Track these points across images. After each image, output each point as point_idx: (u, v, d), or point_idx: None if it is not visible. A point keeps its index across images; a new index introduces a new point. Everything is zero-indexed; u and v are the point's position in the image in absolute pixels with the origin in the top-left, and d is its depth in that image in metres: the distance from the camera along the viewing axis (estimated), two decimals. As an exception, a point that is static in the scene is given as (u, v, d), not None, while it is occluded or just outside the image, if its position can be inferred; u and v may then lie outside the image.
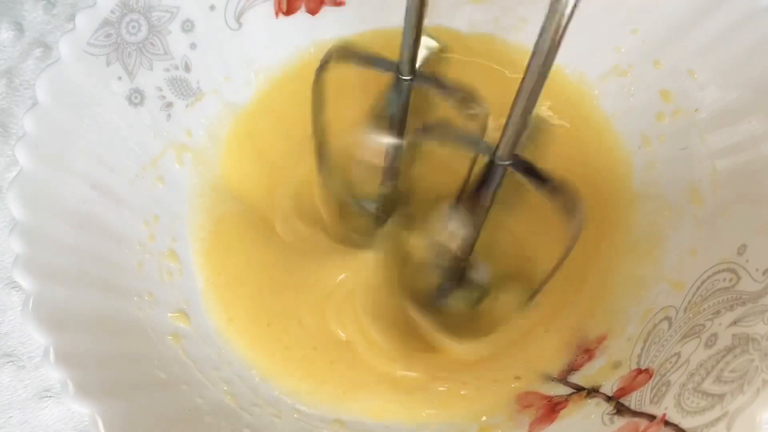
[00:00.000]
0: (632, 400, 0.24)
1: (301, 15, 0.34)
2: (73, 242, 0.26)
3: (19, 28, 0.38)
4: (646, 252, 0.29)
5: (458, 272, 0.30)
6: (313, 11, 0.34)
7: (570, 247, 0.24)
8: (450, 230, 0.28)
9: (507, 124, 0.22)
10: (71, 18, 0.38)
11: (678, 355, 0.24)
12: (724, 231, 0.26)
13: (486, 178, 0.24)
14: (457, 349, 0.29)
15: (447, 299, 0.30)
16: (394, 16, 0.35)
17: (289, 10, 0.34)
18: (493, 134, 0.26)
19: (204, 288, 0.31)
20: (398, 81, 0.27)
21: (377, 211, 0.32)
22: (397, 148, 0.29)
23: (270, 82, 0.35)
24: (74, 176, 0.27)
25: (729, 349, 0.22)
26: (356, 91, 0.31)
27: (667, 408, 0.22)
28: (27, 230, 0.24)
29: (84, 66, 0.28)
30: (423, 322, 0.29)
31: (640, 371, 0.25)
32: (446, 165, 0.29)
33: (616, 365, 0.26)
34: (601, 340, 0.28)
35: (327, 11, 0.34)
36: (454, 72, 0.28)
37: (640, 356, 0.26)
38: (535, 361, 0.28)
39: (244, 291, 0.31)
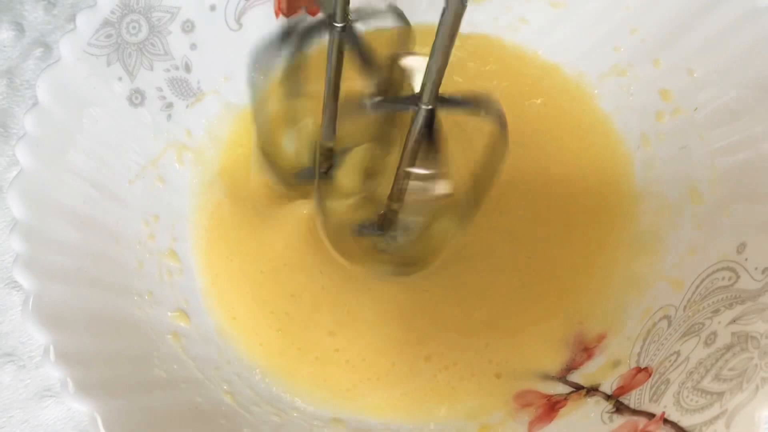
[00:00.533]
0: (632, 399, 0.24)
1: (301, 15, 0.34)
2: (73, 242, 0.26)
3: (19, 28, 0.38)
4: (646, 251, 0.29)
5: (390, 218, 0.30)
6: (313, 12, 0.34)
7: (504, 153, 0.25)
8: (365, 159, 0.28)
9: (427, 68, 0.22)
10: (72, 18, 0.38)
11: (677, 353, 0.24)
12: (724, 230, 0.26)
13: (416, 125, 0.24)
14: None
15: (386, 240, 0.31)
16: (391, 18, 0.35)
17: (289, 11, 0.34)
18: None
19: (204, 287, 0.31)
20: (331, 28, 0.26)
21: (320, 170, 0.32)
22: (333, 95, 0.29)
23: (270, 82, 0.35)
24: (74, 176, 0.27)
25: (728, 348, 0.22)
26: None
27: (667, 406, 0.22)
28: (27, 230, 0.25)
29: (84, 66, 0.28)
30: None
31: (639, 370, 0.25)
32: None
33: (616, 364, 0.26)
34: (600, 338, 0.28)
35: (327, 11, 0.34)
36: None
37: (639, 355, 0.26)
38: (535, 360, 0.28)
39: (244, 290, 0.31)
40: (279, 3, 0.33)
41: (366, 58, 0.27)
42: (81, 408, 0.22)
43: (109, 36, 0.29)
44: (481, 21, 0.35)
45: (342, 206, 0.31)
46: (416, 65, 0.26)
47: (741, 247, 0.25)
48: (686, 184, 0.28)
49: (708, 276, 0.25)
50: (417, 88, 0.23)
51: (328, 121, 0.29)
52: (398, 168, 0.26)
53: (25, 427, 0.30)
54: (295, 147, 0.33)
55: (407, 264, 0.30)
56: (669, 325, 0.25)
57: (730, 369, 0.21)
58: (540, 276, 0.30)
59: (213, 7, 0.32)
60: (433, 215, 0.30)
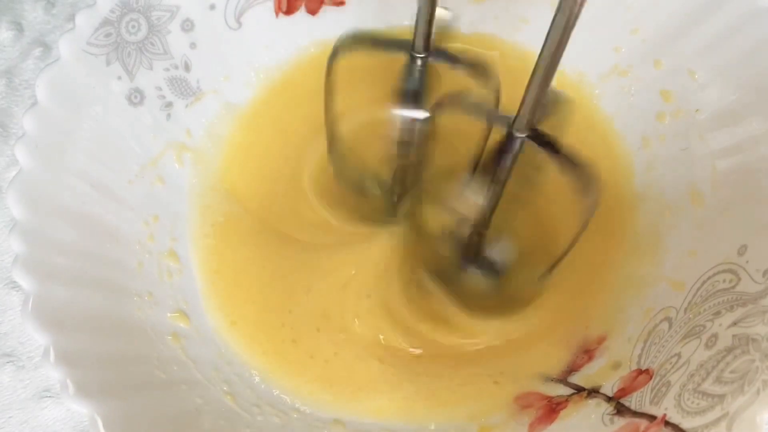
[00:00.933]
0: (632, 401, 0.24)
1: (301, 15, 0.34)
2: (73, 242, 0.26)
3: (18, 27, 0.38)
4: (647, 252, 0.29)
5: (475, 247, 0.30)
6: (313, 11, 0.34)
7: (586, 222, 0.25)
8: (465, 201, 0.28)
9: (525, 94, 0.22)
10: (71, 18, 0.38)
11: (678, 355, 0.24)
12: (724, 231, 0.26)
13: (503, 150, 0.24)
14: (477, 327, 0.29)
15: (465, 275, 0.31)
16: (393, 15, 0.35)
17: (289, 10, 0.34)
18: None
19: (204, 288, 0.31)
20: (412, 59, 0.27)
21: (393, 188, 0.32)
22: (413, 123, 0.29)
23: (270, 82, 0.35)
24: (74, 176, 0.27)
25: (729, 350, 0.22)
26: (368, 80, 0.31)
27: (668, 408, 0.22)
28: (27, 230, 0.24)
29: (84, 66, 0.28)
30: (440, 293, 0.29)
31: (640, 372, 0.25)
32: (460, 141, 0.28)
33: (617, 366, 0.26)
34: (601, 340, 0.28)
35: (327, 11, 0.34)
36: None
37: (640, 357, 0.26)
38: (536, 362, 0.28)
39: (244, 291, 0.31)
40: (279, 2, 0.33)
41: (452, 58, 0.27)
42: (81, 409, 0.22)
43: (108, 35, 0.29)
44: (481, 21, 0.35)
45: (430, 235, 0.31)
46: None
47: (742, 249, 0.25)
48: (687, 186, 0.28)
49: (709, 278, 0.25)
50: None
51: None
52: (493, 193, 0.26)
53: (25, 427, 0.30)
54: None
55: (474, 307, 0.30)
56: (670, 327, 0.25)
57: (732, 371, 0.21)
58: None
59: (213, 6, 0.32)
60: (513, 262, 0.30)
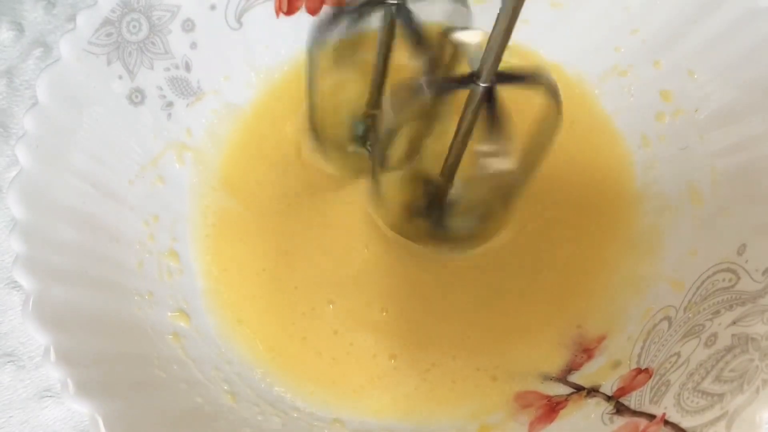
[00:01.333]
0: (632, 400, 0.24)
1: (302, 15, 0.34)
2: (73, 242, 0.26)
3: (19, 27, 0.38)
4: (646, 252, 0.29)
5: (440, 200, 0.30)
6: (313, 11, 0.34)
7: (557, 124, 0.25)
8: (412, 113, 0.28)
9: (487, 46, 0.22)
10: (71, 18, 0.38)
11: (678, 354, 0.24)
12: (724, 231, 0.26)
13: (458, 86, 0.24)
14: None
15: (437, 220, 0.31)
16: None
17: (290, 10, 0.34)
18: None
19: (204, 288, 0.31)
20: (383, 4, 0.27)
21: (365, 139, 0.33)
22: (383, 70, 0.29)
23: (270, 82, 0.35)
24: (74, 176, 0.27)
25: (728, 349, 0.22)
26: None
27: (667, 407, 0.22)
28: (27, 230, 0.24)
29: (84, 65, 0.28)
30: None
31: (639, 371, 0.25)
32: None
33: (616, 365, 0.26)
34: (600, 339, 0.28)
35: (327, 11, 0.34)
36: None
37: (639, 356, 0.26)
38: (535, 361, 0.28)
39: (245, 290, 0.31)
40: (279, 2, 0.33)
41: (418, 35, 0.27)
42: (81, 409, 0.22)
43: (109, 35, 0.29)
44: (481, 20, 0.35)
45: (390, 180, 0.31)
46: (469, 40, 0.26)
47: (741, 249, 0.25)
48: (686, 185, 0.28)
49: (708, 277, 0.25)
50: (471, 63, 0.24)
51: (375, 92, 0.30)
52: (452, 144, 0.26)
53: (25, 427, 0.30)
54: (343, 120, 0.33)
55: (460, 241, 0.31)
56: (669, 326, 0.25)
57: (731, 370, 0.21)
58: (540, 276, 0.30)
59: (213, 6, 0.32)
60: (485, 192, 0.30)
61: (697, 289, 0.25)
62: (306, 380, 0.29)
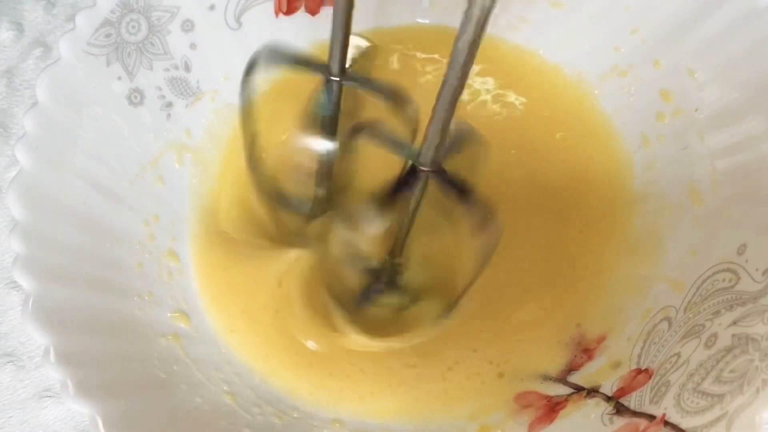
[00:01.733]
0: (632, 400, 0.24)
1: (301, 15, 0.34)
2: (73, 242, 0.26)
3: (19, 28, 0.38)
4: (646, 252, 0.29)
5: (384, 274, 0.30)
6: (313, 11, 0.34)
7: (483, 264, 0.24)
8: (365, 229, 0.27)
9: (428, 128, 0.21)
10: (71, 18, 0.38)
11: (678, 355, 0.24)
12: (724, 231, 0.26)
13: (407, 182, 0.23)
14: (362, 341, 0.29)
15: (371, 301, 0.30)
16: (393, 15, 0.35)
17: (289, 10, 0.34)
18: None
19: (204, 288, 0.31)
20: (328, 81, 0.26)
21: (312, 210, 0.32)
22: (329, 150, 0.29)
23: (270, 82, 0.35)
24: (74, 176, 0.27)
25: (729, 349, 0.22)
26: (289, 94, 0.31)
27: (667, 408, 0.22)
28: (27, 230, 0.24)
29: (84, 66, 0.28)
30: (337, 316, 0.29)
31: (639, 371, 0.25)
32: (382, 165, 0.27)
33: (616, 365, 0.26)
34: (600, 339, 0.28)
35: (327, 11, 0.34)
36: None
37: (639, 356, 0.26)
38: (535, 361, 0.28)
39: (245, 290, 0.31)
40: (279, 2, 0.33)
41: (368, 83, 0.26)
42: (81, 409, 0.22)
43: (108, 35, 0.29)
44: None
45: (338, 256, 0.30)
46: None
47: (741, 249, 0.25)
48: (687, 185, 0.28)
49: (708, 277, 0.25)
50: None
51: (400, 245, 0.28)
52: (401, 225, 0.26)
53: (25, 427, 0.30)
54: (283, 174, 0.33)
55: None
56: (669, 326, 0.25)
57: (731, 371, 0.21)
58: (540, 277, 0.30)
59: (212, 7, 0.32)
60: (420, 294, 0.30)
61: (697, 289, 0.25)
62: (306, 380, 0.29)
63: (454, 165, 0.23)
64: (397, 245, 0.28)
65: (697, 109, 0.29)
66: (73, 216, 0.27)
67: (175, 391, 0.26)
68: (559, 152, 0.33)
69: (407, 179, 0.23)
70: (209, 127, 0.33)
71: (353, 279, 0.30)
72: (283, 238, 0.32)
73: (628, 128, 0.32)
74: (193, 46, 0.32)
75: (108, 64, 0.29)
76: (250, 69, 0.27)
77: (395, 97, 0.26)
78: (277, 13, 0.34)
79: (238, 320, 0.30)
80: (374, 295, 0.30)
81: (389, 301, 0.30)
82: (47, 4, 0.38)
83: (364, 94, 0.27)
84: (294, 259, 0.31)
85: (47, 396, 0.30)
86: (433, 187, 0.23)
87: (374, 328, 0.29)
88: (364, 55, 0.29)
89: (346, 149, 0.29)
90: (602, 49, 0.32)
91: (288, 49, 0.27)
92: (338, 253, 0.30)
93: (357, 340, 0.29)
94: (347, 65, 0.26)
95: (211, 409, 0.26)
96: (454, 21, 0.35)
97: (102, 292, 0.26)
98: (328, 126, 0.28)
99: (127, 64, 0.30)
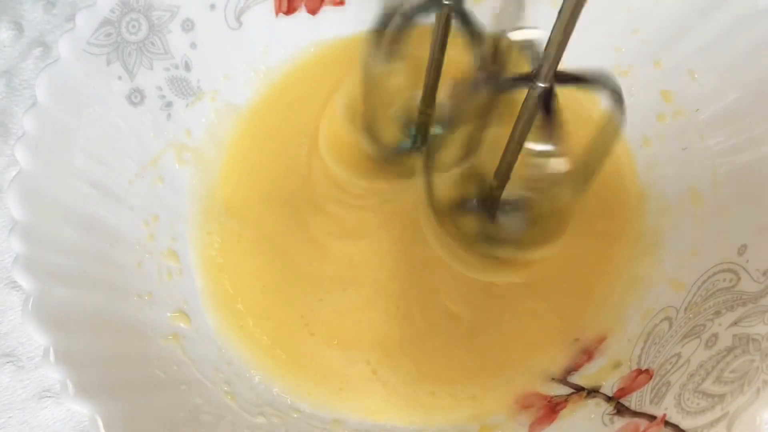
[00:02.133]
0: (632, 401, 0.24)
1: (301, 15, 0.34)
2: (73, 242, 0.26)
3: (18, 27, 0.38)
4: (647, 252, 0.29)
5: (493, 200, 0.30)
6: (313, 11, 0.34)
7: (619, 127, 0.24)
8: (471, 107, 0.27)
9: (547, 45, 0.22)
10: (71, 17, 0.38)
11: (678, 355, 0.24)
12: (725, 231, 0.26)
13: (517, 86, 0.24)
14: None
15: (465, 212, 0.31)
16: (394, 15, 0.35)
17: (289, 10, 0.34)
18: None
19: (204, 288, 0.31)
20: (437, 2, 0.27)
21: (417, 137, 0.32)
22: (437, 68, 0.29)
23: (270, 82, 0.35)
24: (74, 176, 0.27)
25: (729, 350, 0.22)
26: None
27: (668, 408, 0.22)
28: (27, 230, 0.24)
29: (84, 65, 0.28)
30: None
31: (640, 371, 0.25)
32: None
33: (616, 365, 0.26)
34: (601, 340, 0.28)
35: (327, 11, 0.34)
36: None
37: (640, 356, 0.26)
38: (536, 361, 0.28)
39: (245, 290, 0.31)
40: (279, 2, 0.33)
41: (475, 34, 0.27)
42: (81, 409, 0.22)
43: (108, 35, 0.29)
44: (481, 20, 0.35)
45: (442, 181, 0.31)
46: (527, 39, 0.25)
47: (742, 249, 0.25)
48: (687, 186, 0.28)
49: (709, 278, 0.25)
50: (527, 64, 0.23)
51: (429, 91, 0.29)
52: (508, 144, 0.26)
53: (24, 427, 0.30)
54: (395, 120, 0.33)
55: (514, 244, 0.30)
56: (670, 326, 0.25)
57: (732, 371, 0.21)
58: (541, 277, 0.30)
59: (213, 6, 0.32)
60: (542, 193, 0.30)
61: (698, 289, 0.25)
62: (306, 380, 0.29)
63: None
64: (502, 168, 0.27)
65: (697, 110, 0.29)
66: (73, 216, 0.27)
67: (175, 391, 0.26)
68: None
69: (519, 83, 0.23)
70: (209, 127, 0.33)
71: (456, 195, 0.31)
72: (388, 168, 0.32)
73: (628, 128, 0.32)
74: (193, 45, 0.32)
75: (108, 63, 0.29)
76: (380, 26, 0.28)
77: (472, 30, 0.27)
78: (277, 13, 0.34)
79: (238, 320, 0.30)
80: (469, 210, 0.31)
81: (481, 218, 0.31)
82: (47, 4, 0.38)
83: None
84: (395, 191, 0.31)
85: (47, 396, 0.30)
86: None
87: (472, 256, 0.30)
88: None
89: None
90: (603, 49, 0.32)
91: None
92: (438, 162, 0.30)
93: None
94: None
95: (211, 409, 0.26)
96: (454, 22, 0.35)
97: (102, 292, 0.26)
98: (437, 48, 0.28)
99: (128, 64, 0.30)
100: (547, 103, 0.23)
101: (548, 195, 0.29)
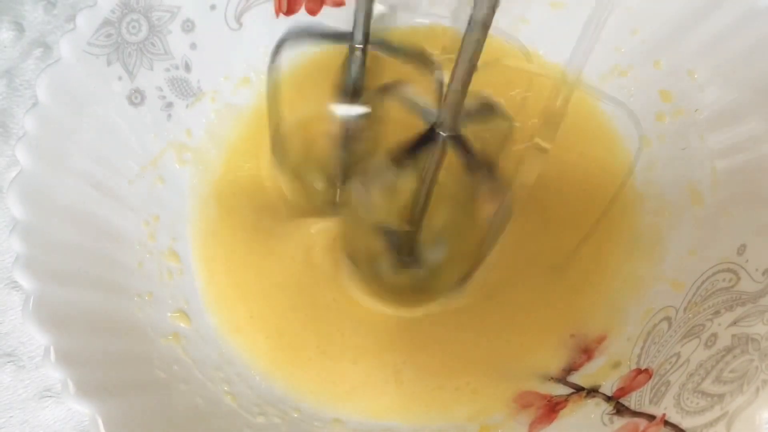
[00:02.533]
0: (632, 400, 0.24)
1: (302, 15, 0.34)
2: (73, 242, 0.26)
3: (19, 28, 0.38)
4: (646, 252, 0.29)
5: (402, 242, 0.30)
6: (313, 11, 0.34)
7: (494, 237, 0.25)
8: (380, 186, 0.28)
9: (447, 92, 0.22)
10: (71, 18, 0.38)
11: (678, 355, 0.24)
12: (724, 231, 0.26)
13: (424, 142, 0.24)
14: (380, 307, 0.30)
15: (390, 268, 0.31)
16: (392, 16, 0.35)
17: (290, 10, 0.34)
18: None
19: (204, 288, 0.31)
20: (352, 50, 0.27)
21: (338, 179, 0.33)
22: (355, 115, 0.29)
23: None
24: (74, 176, 0.27)
25: (728, 350, 0.22)
26: (313, 76, 0.32)
27: (667, 408, 0.22)
28: (27, 230, 0.24)
29: (84, 66, 0.28)
30: (353, 284, 0.30)
31: (639, 371, 0.25)
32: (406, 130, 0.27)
33: (616, 365, 0.26)
34: (600, 339, 0.28)
35: (327, 11, 0.34)
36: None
37: (639, 356, 0.26)
38: (535, 361, 0.28)
39: (245, 290, 0.31)
40: (279, 2, 0.33)
41: (391, 48, 0.27)
42: (82, 409, 0.22)
43: (109, 35, 0.29)
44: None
45: (360, 226, 0.31)
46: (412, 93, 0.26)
47: (741, 249, 0.25)
48: (687, 186, 0.28)
49: (708, 278, 0.25)
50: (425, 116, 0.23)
51: (418, 215, 0.29)
52: (419, 190, 0.26)
53: (25, 427, 0.30)
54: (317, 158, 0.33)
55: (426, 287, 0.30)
56: (669, 326, 0.25)
57: (731, 371, 0.21)
58: (540, 276, 0.30)
59: (213, 7, 0.32)
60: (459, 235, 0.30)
61: (697, 289, 0.25)
62: (306, 380, 0.29)
63: (478, 140, 0.24)
64: (415, 214, 0.28)
65: (697, 110, 0.29)
66: (74, 216, 0.27)
67: (175, 391, 0.26)
68: (559, 152, 0.33)
69: (424, 140, 0.23)
70: (210, 127, 0.33)
71: (371, 245, 0.31)
72: (306, 211, 0.32)
73: (628, 129, 0.32)
74: (193, 46, 0.32)
75: (108, 64, 0.29)
76: (278, 48, 0.28)
77: (420, 59, 0.26)
78: (277, 13, 0.34)
79: (238, 320, 0.30)
80: (390, 263, 0.30)
81: (405, 270, 0.31)
82: (47, 4, 0.38)
83: (389, 59, 0.28)
84: (318, 231, 0.31)
85: (47, 396, 0.30)
86: (454, 157, 0.23)
87: (389, 295, 0.30)
88: (379, 20, 0.29)
89: (372, 114, 0.29)
90: (602, 49, 0.32)
91: (312, 26, 0.27)
92: (356, 215, 0.30)
93: (369, 302, 0.29)
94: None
95: (211, 409, 0.26)
96: (454, 23, 0.35)
97: (102, 292, 0.26)
98: (354, 94, 0.29)
99: (128, 64, 0.30)
100: (458, 146, 0.23)
101: (468, 233, 0.29)
